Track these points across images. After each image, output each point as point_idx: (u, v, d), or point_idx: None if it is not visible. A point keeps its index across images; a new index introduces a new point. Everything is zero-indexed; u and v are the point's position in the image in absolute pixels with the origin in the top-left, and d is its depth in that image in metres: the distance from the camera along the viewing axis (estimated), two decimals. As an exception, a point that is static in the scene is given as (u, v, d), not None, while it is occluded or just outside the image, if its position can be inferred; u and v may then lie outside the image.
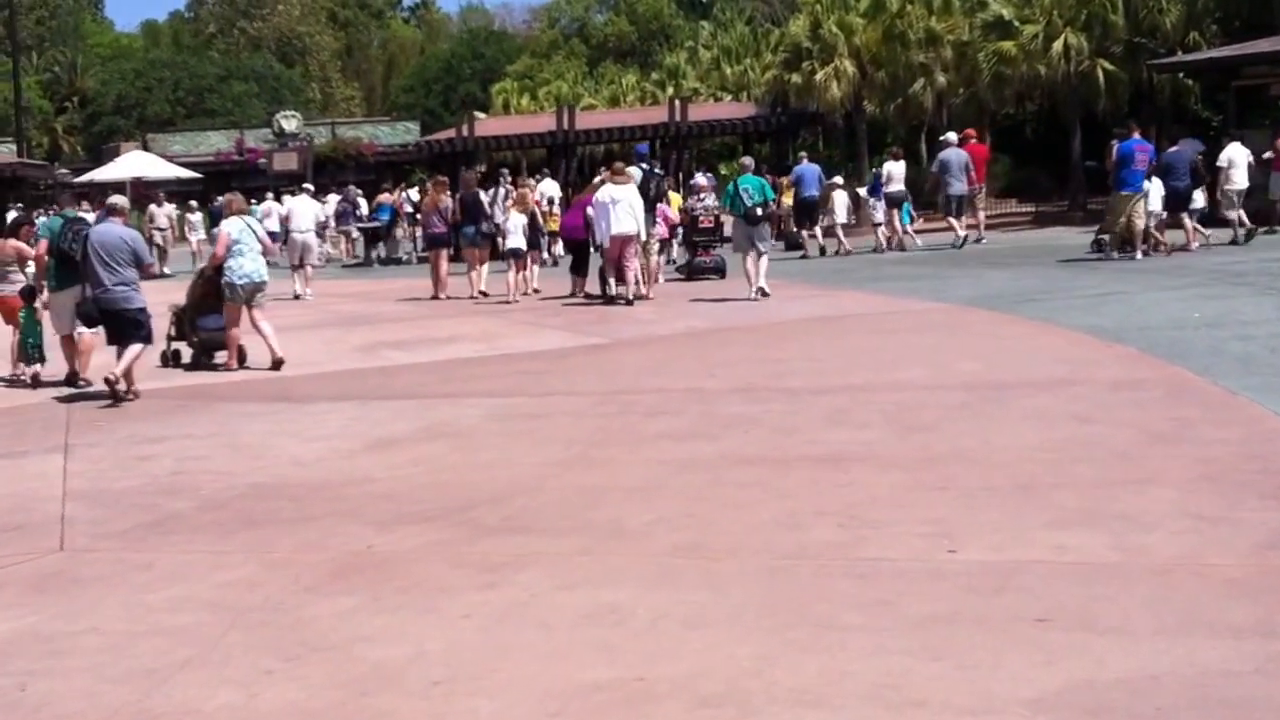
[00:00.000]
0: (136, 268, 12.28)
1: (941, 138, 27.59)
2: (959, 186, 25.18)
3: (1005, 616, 4.85)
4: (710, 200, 22.38)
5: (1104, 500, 6.41)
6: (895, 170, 26.20)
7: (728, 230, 20.73)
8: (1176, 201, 21.02)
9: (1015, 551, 5.65)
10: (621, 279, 18.08)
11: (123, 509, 7.50)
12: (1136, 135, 20.55)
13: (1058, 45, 32.34)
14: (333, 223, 33.72)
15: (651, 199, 18.47)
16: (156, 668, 4.85)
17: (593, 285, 18.93)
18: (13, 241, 14.35)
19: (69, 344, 13.35)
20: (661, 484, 7.31)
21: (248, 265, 13.58)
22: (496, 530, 6.46)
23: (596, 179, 20.22)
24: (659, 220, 19.45)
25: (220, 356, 13.89)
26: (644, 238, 18.30)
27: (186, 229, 33.74)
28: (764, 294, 17.52)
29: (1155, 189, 20.58)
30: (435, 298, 20.67)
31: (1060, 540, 5.74)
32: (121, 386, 11.75)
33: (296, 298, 22.11)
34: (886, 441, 8.19)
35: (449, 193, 22.84)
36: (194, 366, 13.75)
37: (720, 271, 21.42)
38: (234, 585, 5.84)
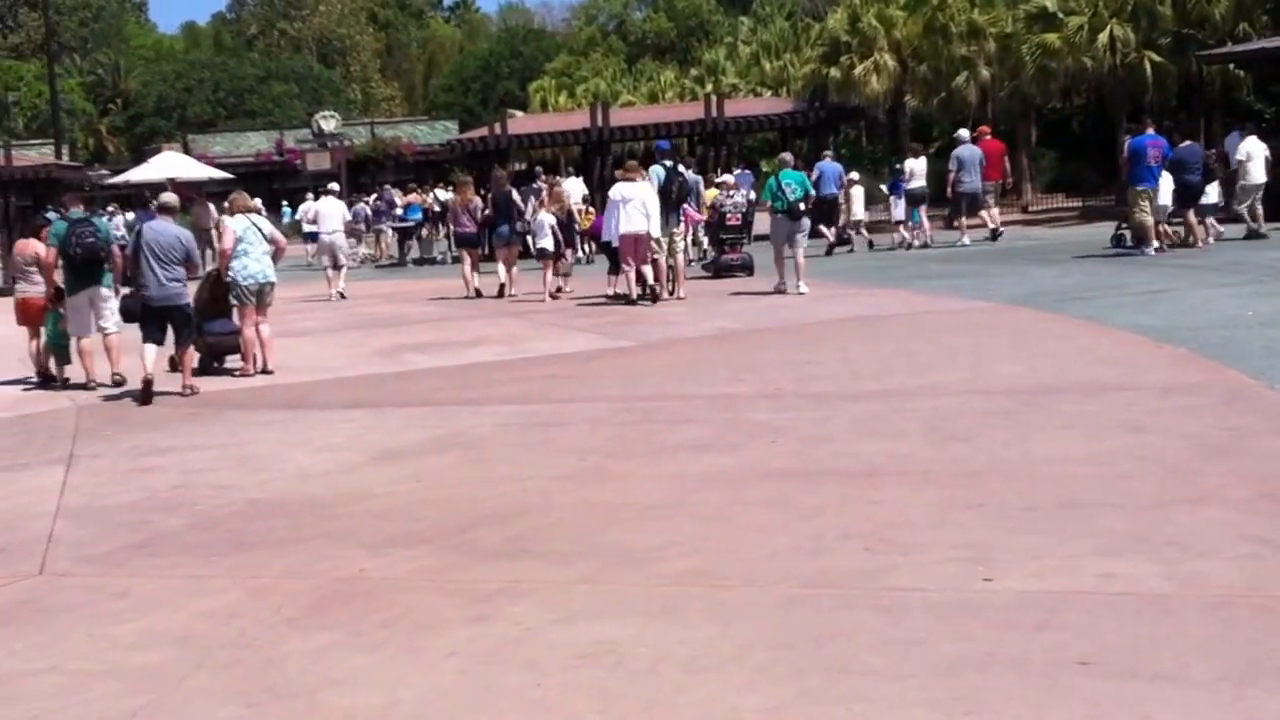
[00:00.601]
0: (185, 266, 12.34)
1: (955, 135, 27.24)
2: (972, 183, 25.01)
3: (1046, 660, 4.34)
4: (739, 197, 21.90)
5: (1155, 521, 5.89)
6: (917, 167, 26.08)
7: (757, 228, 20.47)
8: (1188, 197, 20.78)
9: (1057, 580, 5.14)
10: (639, 279, 17.69)
11: (113, 527, 7.11)
12: (1150, 130, 20.59)
13: (1103, 37, 31.71)
14: (365, 223, 33.40)
15: (675, 197, 17.95)
16: (104, 718, 4.42)
17: (624, 285, 18.44)
18: (33, 242, 14.07)
19: (85, 348, 13.19)
20: (678, 501, 6.84)
21: (253, 265, 13.21)
22: (495, 553, 6.00)
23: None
24: (683, 219, 18.92)
25: (232, 361, 13.52)
26: (655, 234, 17.82)
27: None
28: (800, 293, 17.40)
29: (1165, 184, 20.38)
30: (468, 297, 20.45)
31: (1107, 568, 5.23)
32: (188, 382, 12.17)
33: (343, 297, 22.13)
34: (921, 453, 7.68)
35: (477, 192, 22.50)
36: (203, 371, 13.30)
37: (748, 269, 20.96)
38: (210, 616, 5.41)
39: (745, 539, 6.00)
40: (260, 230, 13.32)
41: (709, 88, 48.93)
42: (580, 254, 25.46)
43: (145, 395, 11.78)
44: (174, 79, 74.19)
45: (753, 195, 22.23)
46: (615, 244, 17.83)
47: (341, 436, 9.43)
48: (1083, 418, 8.45)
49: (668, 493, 7.04)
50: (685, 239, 18.87)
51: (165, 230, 12.42)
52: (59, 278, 13.11)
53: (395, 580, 5.70)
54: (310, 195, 36.34)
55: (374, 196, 35.03)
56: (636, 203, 17.49)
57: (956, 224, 25.55)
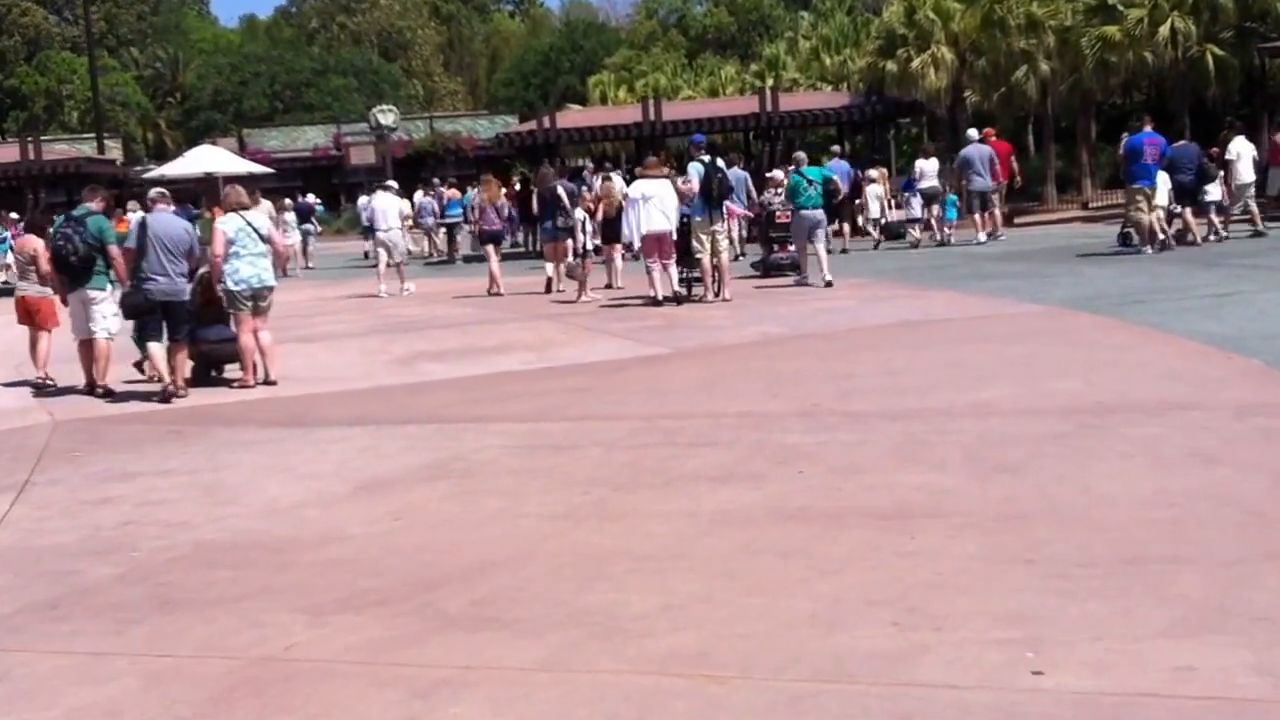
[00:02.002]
0: (188, 259, 12.01)
1: (967, 134, 27.37)
2: (981, 182, 25.13)
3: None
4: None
5: (1238, 585, 4.96)
6: (928, 167, 26.50)
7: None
8: (1182, 195, 20.86)
9: (1122, 674, 4.20)
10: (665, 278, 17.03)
11: (31, 578, 6.26)
12: (1148, 128, 20.50)
13: (1164, 30, 30.73)
14: (432, 217, 32.77)
15: (716, 194, 17.07)
16: None
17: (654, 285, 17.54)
18: (31, 239, 13.44)
19: (85, 350, 12.63)
20: (682, 550, 5.97)
21: (245, 269, 12.29)
22: (456, 621, 5.13)
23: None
24: (725, 216, 18.03)
25: (233, 370, 12.70)
26: (674, 236, 17.02)
27: (281, 229, 30.86)
28: (828, 284, 17.84)
29: (1162, 183, 20.33)
30: (492, 293, 20.33)
31: (1183, 657, 4.29)
32: (179, 382, 11.83)
33: (406, 292, 21.87)
34: (964, 489, 6.77)
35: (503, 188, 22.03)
36: (198, 381, 12.59)
37: (797, 267, 20.08)
38: (84, 714, 4.52)
39: (751, 604, 5.10)
40: (256, 230, 12.41)
41: (769, 83, 47.89)
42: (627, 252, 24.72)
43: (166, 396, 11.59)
44: (229, 72, 73.97)
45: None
46: (637, 245, 17.00)
47: (329, 461, 8.62)
48: (1147, 444, 7.52)
49: (673, 537, 6.17)
50: (729, 237, 17.92)
51: (172, 223, 12.02)
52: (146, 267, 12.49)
53: (326, 662, 4.80)
54: (367, 191, 35.65)
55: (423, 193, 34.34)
56: (657, 201, 16.68)
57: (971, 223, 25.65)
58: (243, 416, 10.80)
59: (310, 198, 40.54)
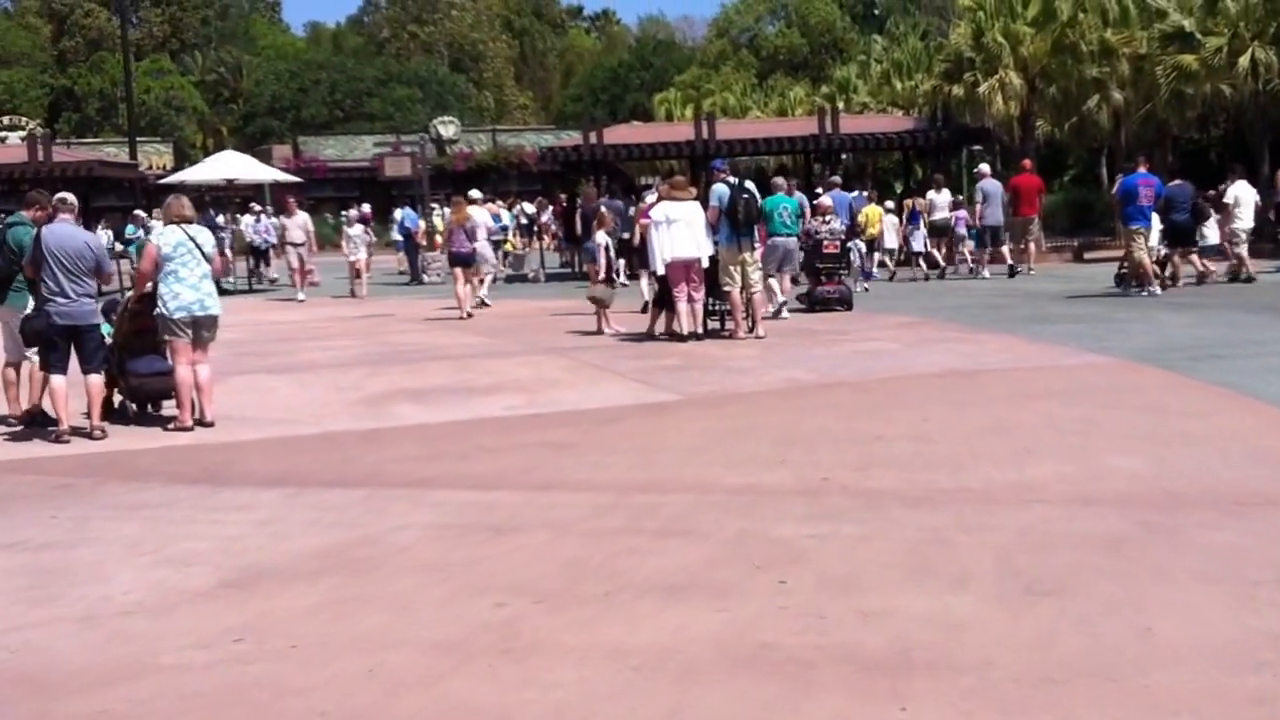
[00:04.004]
0: (97, 277, 10.47)
1: (976, 169, 27.46)
2: (994, 216, 25.20)
3: None
4: (836, 223, 19.47)
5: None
6: (938, 200, 26.09)
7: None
8: (1176, 236, 20.52)
9: None
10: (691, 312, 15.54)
11: None
12: (1142, 169, 20.09)
13: (1244, 60, 29.11)
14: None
15: (743, 218, 15.50)
16: None
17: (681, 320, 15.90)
18: None
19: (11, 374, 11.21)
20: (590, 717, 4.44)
21: (186, 293, 10.65)
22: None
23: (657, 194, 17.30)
24: (758, 244, 16.42)
25: (171, 407, 11.05)
26: (705, 264, 15.44)
27: (345, 244, 27.13)
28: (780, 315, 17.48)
29: (1154, 224, 19.95)
30: (461, 318, 19.65)
31: None
32: (96, 421, 10.47)
33: (484, 304, 21.35)
34: (985, 621, 5.21)
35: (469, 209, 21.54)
36: (123, 418, 11.19)
37: (846, 303, 18.58)
38: None
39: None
40: (199, 247, 10.80)
41: (840, 106, 46.28)
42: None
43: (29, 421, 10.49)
44: (288, 79, 73.23)
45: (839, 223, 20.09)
46: (660, 272, 15.44)
47: (214, 538, 7.09)
48: (1227, 559, 5.96)
49: (578, 695, 4.60)
50: (757, 269, 16.32)
51: (70, 235, 10.42)
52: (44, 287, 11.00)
53: None
54: (408, 203, 34.32)
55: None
56: (683, 224, 15.12)
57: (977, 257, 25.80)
58: (152, 469, 9.30)
59: (365, 207, 39.18)
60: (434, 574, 6.24)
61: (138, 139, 56.07)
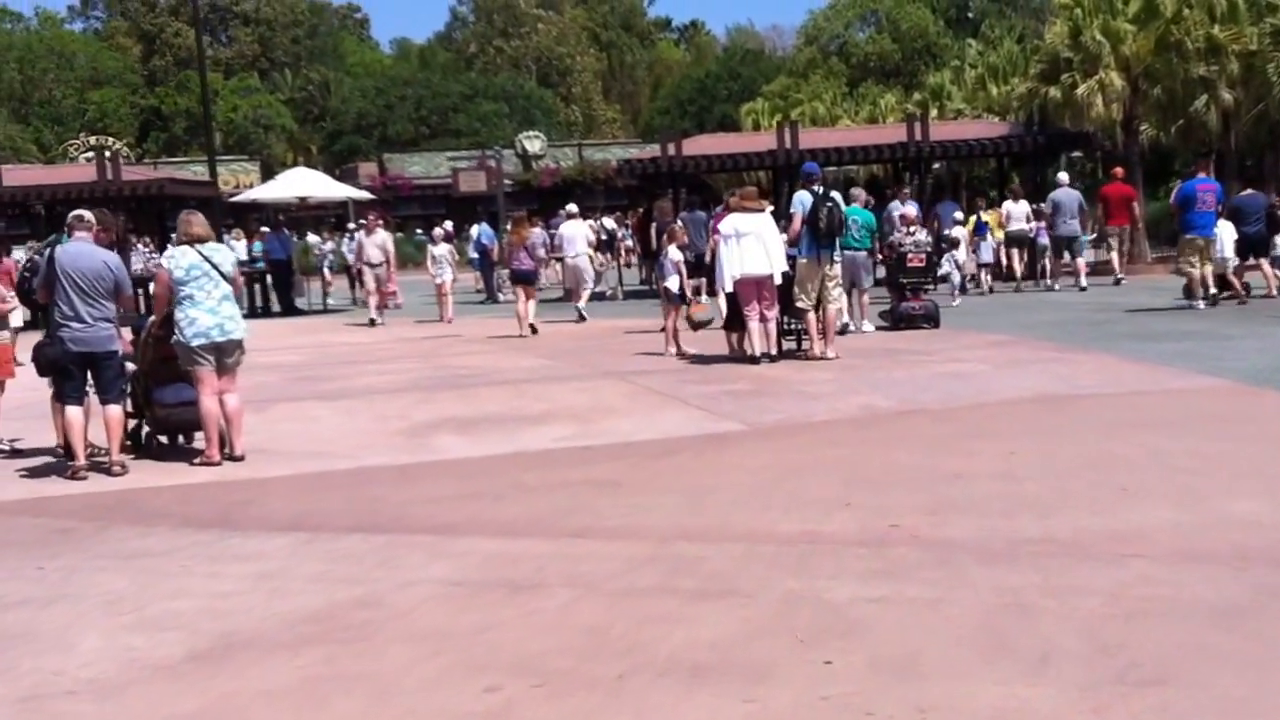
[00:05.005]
0: (116, 301, 9.76)
1: (1057, 177, 26.06)
2: (1069, 226, 24.19)
3: None
4: (922, 235, 18.40)
5: None
6: (1015, 210, 25.43)
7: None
8: (1249, 247, 19.51)
9: None
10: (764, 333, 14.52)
11: None
12: (1202, 175, 19.04)
13: (1365, 57, 27.24)
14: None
15: (824, 228, 14.51)
16: None
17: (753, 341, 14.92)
18: None
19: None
20: None
21: (204, 319, 9.90)
22: None
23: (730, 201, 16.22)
24: (837, 259, 15.32)
25: (201, 438, 10.33)
26: (778, 280, 14.42)
27: (431, 265, 25.72)
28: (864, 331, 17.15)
29: (1228, 233, 18.92)
30: (521, 335, 19.40)
31: None
32: (115, 456, 9.79)
33: (582, 319, 21.49)
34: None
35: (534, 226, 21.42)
36: (146, 450, 10.60)
37: (933, 320, 17.48)
38: None
39: None
40: (216, 268, 10.05)
41: (933, 113, 44.95)
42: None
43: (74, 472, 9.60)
44: (374, 95, 73.16)
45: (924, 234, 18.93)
46: (728, 289, 14.46)
47: (201, 597, 6.30)
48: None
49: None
50: (837, 285, 15.29)
51: (87, 255, 9.73)
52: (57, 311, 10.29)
53: None
54: (484, 219, 33.55)
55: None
56: (753, 238, 14.10)
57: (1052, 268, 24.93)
58: (164, 510, 8.56)
59: (448, 225, 38.57)
60: (430, 646, 5.39)
61: (225, 157, 56.41)
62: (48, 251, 10.05)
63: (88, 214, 10.21)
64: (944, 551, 6.47)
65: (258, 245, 30.36)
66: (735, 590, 6.01)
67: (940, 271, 22.50)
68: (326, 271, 33.00)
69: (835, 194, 15.22)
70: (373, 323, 23.65)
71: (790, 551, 6.63)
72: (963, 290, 22.92)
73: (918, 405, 11.24)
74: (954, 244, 23.04)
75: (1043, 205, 25.48)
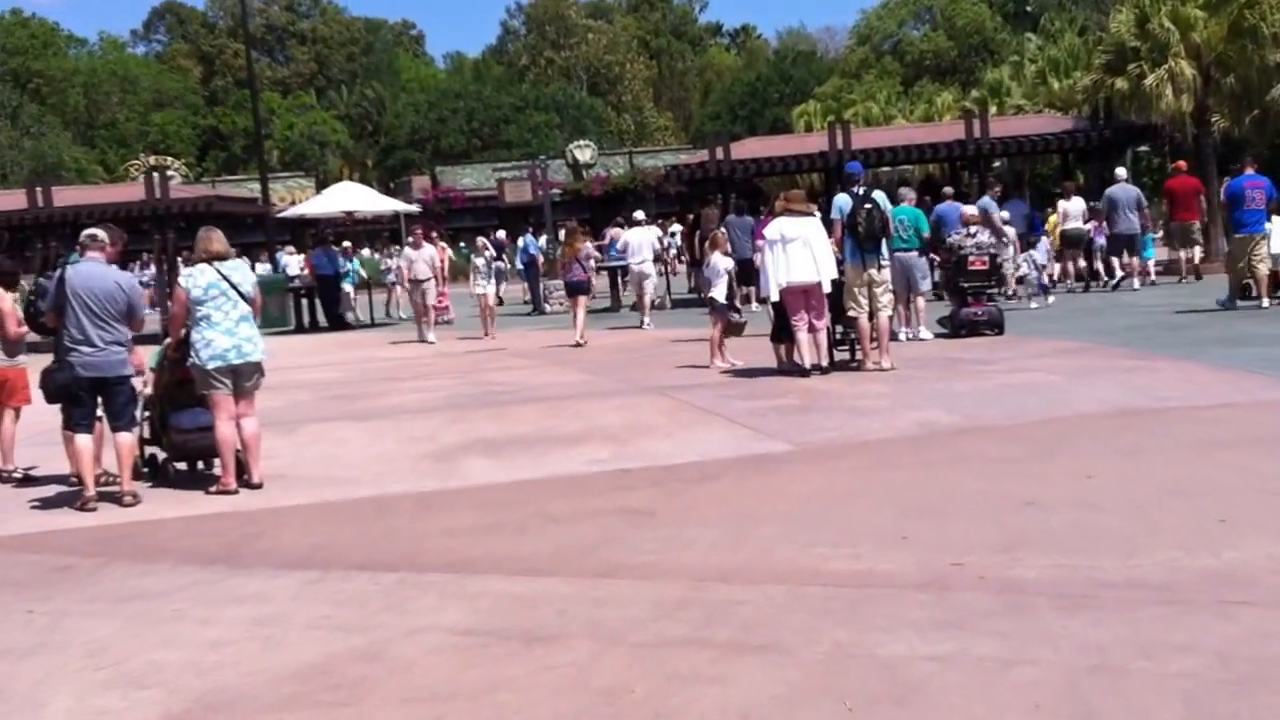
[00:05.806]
0: (129, 323, 9.23)
1: (1115, 172, 25.47)
2: (1127, 224, 23.30)
3: None
4: (984, 236, 17.45)
5: None
6: (1072, 208, 24.49)
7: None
8: None
9: None
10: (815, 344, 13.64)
11: None
12: (1250, 171, 18.42)
13: None
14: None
15: (864, 231, 13.63)
16: None
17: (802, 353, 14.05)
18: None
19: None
20: None
21: (220, 340, 9.36)
22: None
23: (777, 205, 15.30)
24: (885, 264, 14.38)
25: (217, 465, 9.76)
26: (827, 288, 13.55)
27: (472, 276, 24.70)
28: (921, 339, 16.33)
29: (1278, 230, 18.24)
30: (576, 344, 18.83)
31: None
32: (126, 485, 9.28)
33: (642, 326, 21.54)
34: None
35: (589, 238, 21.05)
36: (161, 477, 10.05)
37: (996, 326, 16.49)
38: None
39: None
40: (235, 287, 9.48)
41: (992, 110, 43.86)
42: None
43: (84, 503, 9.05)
44: (426, 110, 72.95)
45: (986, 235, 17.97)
46: (773, 298, 13.60)
47: (190, 647, 5.70)
48: None
49: None
50: (888, 290, 14.36)
51: (99, 275, 9.22)
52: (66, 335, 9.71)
53: None
54: (530, 229, 32.85)
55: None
56: (799, 244, 13.23)
57: (1111, 267, 24.03)
58: (170, 544, 8.01)
59: (500, 234, 37.87)
60: (427, 710, 4.73)
61: (281, 174, 56.34)
62: (57, 273, 9.49)
63: (100, 232, 9.62)
64: (1016, 596, 5.63)
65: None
66: (774, 643, 5.22)
67: (1019, 273, 21.64)
68: (396, 289, 31.98)
69: (877, 194, 14.26)
70: (424, 339, 22.81)
71: (839, 595, 5.83)
72: (1044, 291, 21.90)
73: (982, 421, 10.33)
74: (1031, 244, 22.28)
75: (1097, 204, 24.49)
